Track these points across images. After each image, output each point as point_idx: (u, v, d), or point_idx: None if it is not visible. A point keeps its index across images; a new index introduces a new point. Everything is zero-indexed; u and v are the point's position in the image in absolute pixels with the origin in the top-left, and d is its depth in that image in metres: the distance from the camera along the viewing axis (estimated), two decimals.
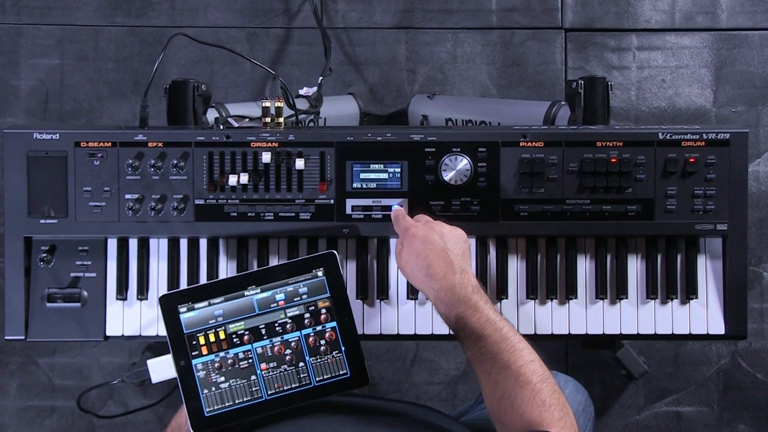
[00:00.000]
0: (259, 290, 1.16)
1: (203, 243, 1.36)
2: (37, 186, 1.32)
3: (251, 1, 2.09)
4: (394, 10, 2.09)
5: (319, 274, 1.17)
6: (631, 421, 2.05)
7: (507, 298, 1.35)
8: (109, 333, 1.34)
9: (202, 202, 1.33)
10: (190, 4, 2.08)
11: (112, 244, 1.35)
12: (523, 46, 2.08)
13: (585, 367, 2.05)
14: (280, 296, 1.16)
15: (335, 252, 1.18)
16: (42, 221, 1.32)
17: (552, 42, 2.08)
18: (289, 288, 1.17)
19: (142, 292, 1.34)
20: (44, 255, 1.32)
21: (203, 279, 1.35)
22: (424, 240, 1.19)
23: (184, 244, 1.36)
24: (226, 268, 1.36)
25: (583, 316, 1.36)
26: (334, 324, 1.16)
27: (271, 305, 1.16)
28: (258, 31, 2.09)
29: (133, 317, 1.34)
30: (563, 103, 1.59)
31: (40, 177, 1.32)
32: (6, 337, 1.34)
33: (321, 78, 1.76)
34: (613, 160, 1.32)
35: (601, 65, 2.08)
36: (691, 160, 1.32)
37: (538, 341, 1.35)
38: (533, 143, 1.33)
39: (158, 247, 1.36)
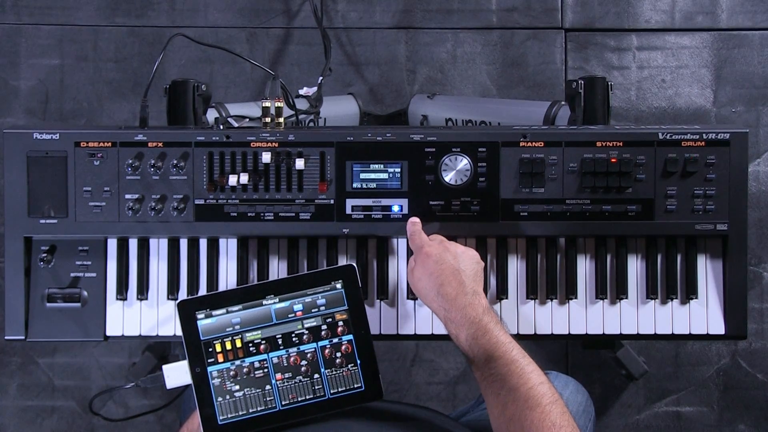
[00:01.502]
0: (277, 300, 1.16)
1: (203, 243, 1.36)
2: (37, 186, 1.32)
3: (251, 1, 2.09)
4: (394, 10, 2.09)
5: (338, 286, 1.18)
6: (631, 421, 2.05)
7: (507, 298, 1.35)
8: (109, 333, 1.34)
9: (202, 202, 1.33)
10: (190, 4, 2.08)
11: (112, 244, 1.35)
12: (523, 46, 2.08)
13: (585, 367, 2.05)
14: (298, 307, 1.17)
15: (354, 265, 1.19)
16: (42, 221, 1.32)
17: (552, 42, 2.08)
18: (308, 299, 1.17)
19: (142, 292, 1.34)
20: (44, 255, 1.32)
21: (203, 279, 1.35)
22: (438, 260, 1.20)
23: (184, 244, 1.36)
24: (226, 269, 1.36)
25: (583, 316, 1.36)
26: (350, 337, 1.17)
27: (289, 315, 1.16)
28: (258, 31, 2.09)
29: (133, 317, 1.34)
30: (563, 103, 1.59)
31: (40, 177, 1.32)
32: (6, 337, 1.33)
33: (321, 78, 1.76)
34: (613, 160, 1.32)
35: (601, 65, 2.08)
36: (691, 160, 1.32)
37: (538, 341, 1.35)
38: (533, 143, 1.33)
39: (158, 247, 1.36)
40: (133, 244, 1.35)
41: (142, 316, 1.35)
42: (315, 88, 1.72)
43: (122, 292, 1.34)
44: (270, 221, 1.33)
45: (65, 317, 1.33)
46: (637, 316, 1.35)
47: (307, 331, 1.16)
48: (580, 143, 1.33)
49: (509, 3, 2.08)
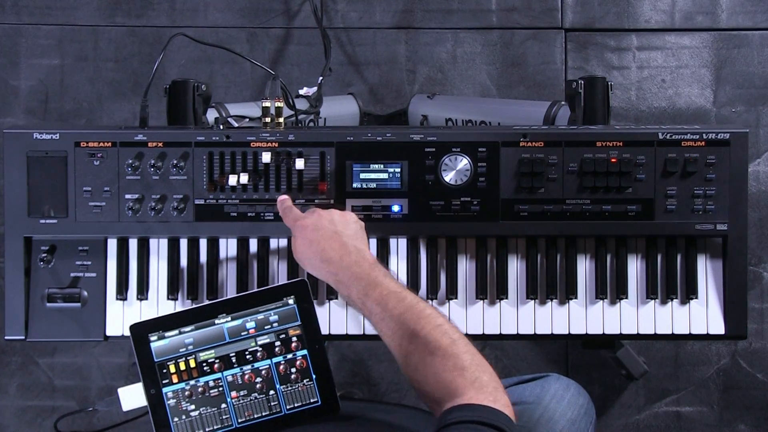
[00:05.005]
0: (229, 318, 1.17)
1: (203, 243, 1.36)
2: (37, 186, 1.32)
3: (251, 1, 2.09)
4: (394, 10, 2.09)
5: (290, 302, 1.18)
6: (631, 421, 2.05)
7: (507, 298, 1.35)
8: (109, 333, 1.34)
9: (202, 202, 1.33)
10: (190, 4, 2.08)
11: (112, 244, 1.35)
12: (523, 46, 2.08)
13: (585, 367, 2.04)
14: (250, 324, 1.17)
15: (306, 280, 1.19)
16: (42, 221, 1.32)
17: (552, 42, 2.08)
18: (260, 316, 1.17)
19: (142, 292, 1.34)
20: (44, 255, 1.32)
21: (204, 279, 1.35)
22: (315, 227, 1.20)
23: (184, 244, 1.36)
24: (226, 269, 1.36)
25: (583, 316, 1.36)
26: (305, 352, 1.17)
27: (242, 333, 1.17)
28: (258, 31, 2.09)
29: (133, 317, 1.34)
30: (563, 103, 1.59)
31: (40, 177, 1.32)
32: (6, 337, 1.34)
33: (321, 78, 1.76)
34: (613, 160, 1.32)
35: (601, 65, 2.08)
36: (691, 160, 1.32)
37: (539, 341, 1.35)
38: (533, 143, 1.33)
39: (158, 247, 1.36)
40: (133, 244, 1.35)
41: (142, 316, 1.34)
42: (315, 88, 1.72)
43: (122, 292, 1.34)
44: (270, 221, 1.33)
45: (65, 317, 1.33)
46: (637, 316, 1.35)
47: (260, 348, 1.17)
48: (580, 143, 1.33)
49: (509, 3, 2.08)
